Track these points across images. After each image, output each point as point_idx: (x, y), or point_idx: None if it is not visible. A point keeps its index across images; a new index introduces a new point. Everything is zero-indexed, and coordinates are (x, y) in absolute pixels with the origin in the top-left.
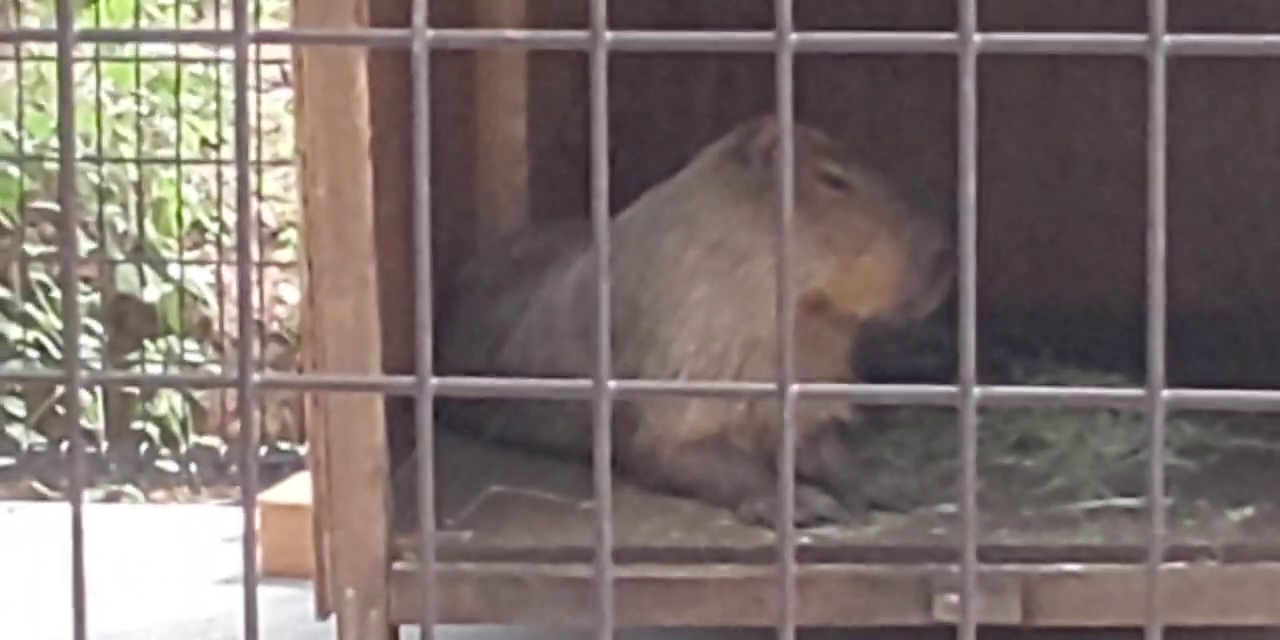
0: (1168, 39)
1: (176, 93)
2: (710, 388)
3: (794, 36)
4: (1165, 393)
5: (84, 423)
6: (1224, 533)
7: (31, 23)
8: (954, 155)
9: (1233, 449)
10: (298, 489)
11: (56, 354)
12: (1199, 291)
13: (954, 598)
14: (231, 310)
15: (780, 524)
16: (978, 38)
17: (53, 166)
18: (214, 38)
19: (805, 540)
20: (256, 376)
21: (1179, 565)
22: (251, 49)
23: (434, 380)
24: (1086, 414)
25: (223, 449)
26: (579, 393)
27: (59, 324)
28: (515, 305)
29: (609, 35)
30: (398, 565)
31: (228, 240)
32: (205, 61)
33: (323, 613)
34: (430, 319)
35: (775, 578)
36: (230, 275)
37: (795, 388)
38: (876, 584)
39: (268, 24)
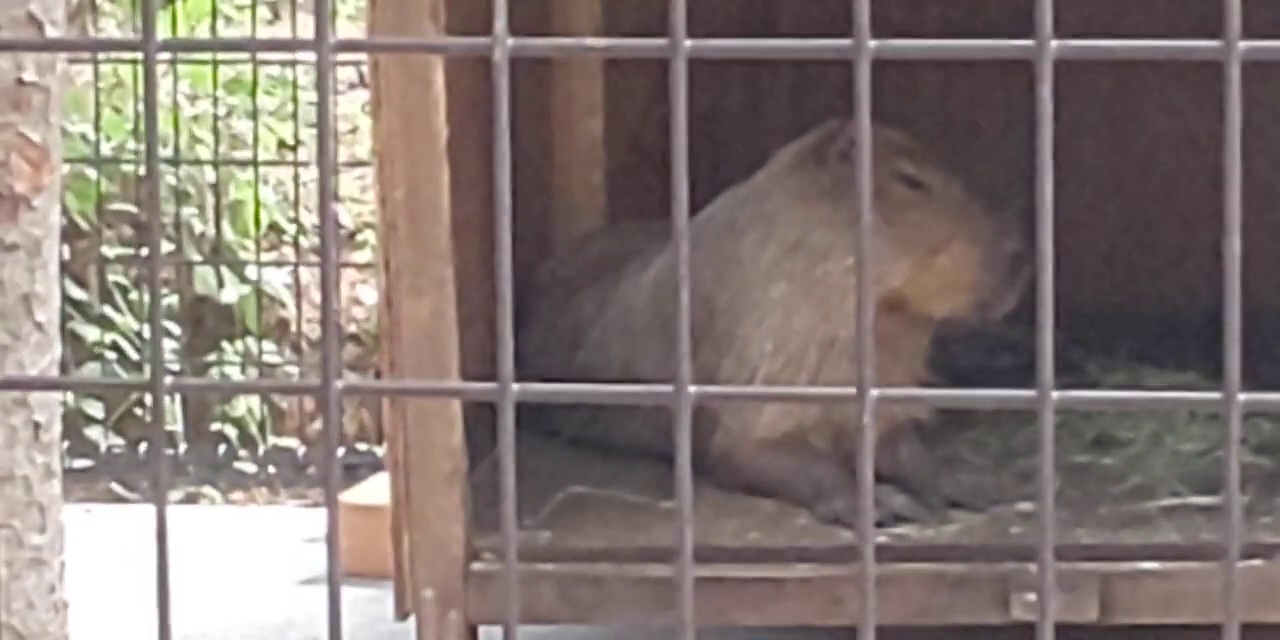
0: (1243, 45)
1: (253, 94)
2: (790, 392)
3: (871, 44)
4: (1242, 396)
5: None
6: None
7: (108, 25)
8: (1029, 156)
9: None
10: (376, 490)
11: (134, 356)
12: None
13: (1032, 596)
14: (309, 311)
15: (860, 527)
16: (1054, 44)
17: (130, 169)
18: (296, 46)
19: (883, 539)
20: (339, 383)
21: (1256, 563)
22: None
23: (515, 386)
24: (1163, 413)
25: (301, 450)
26: (660, 397)
27: (137, 326)
28: (593, 305)
29: (688, 43)
30: (476, 566)
31: (305, 241)
32: (282, 63)
33: (402, 613)
34: (510, 322)
35: (854, 577)
36: (308, 277)
37: (875, 392)
38: (954, 583)
39: (344, 25)
